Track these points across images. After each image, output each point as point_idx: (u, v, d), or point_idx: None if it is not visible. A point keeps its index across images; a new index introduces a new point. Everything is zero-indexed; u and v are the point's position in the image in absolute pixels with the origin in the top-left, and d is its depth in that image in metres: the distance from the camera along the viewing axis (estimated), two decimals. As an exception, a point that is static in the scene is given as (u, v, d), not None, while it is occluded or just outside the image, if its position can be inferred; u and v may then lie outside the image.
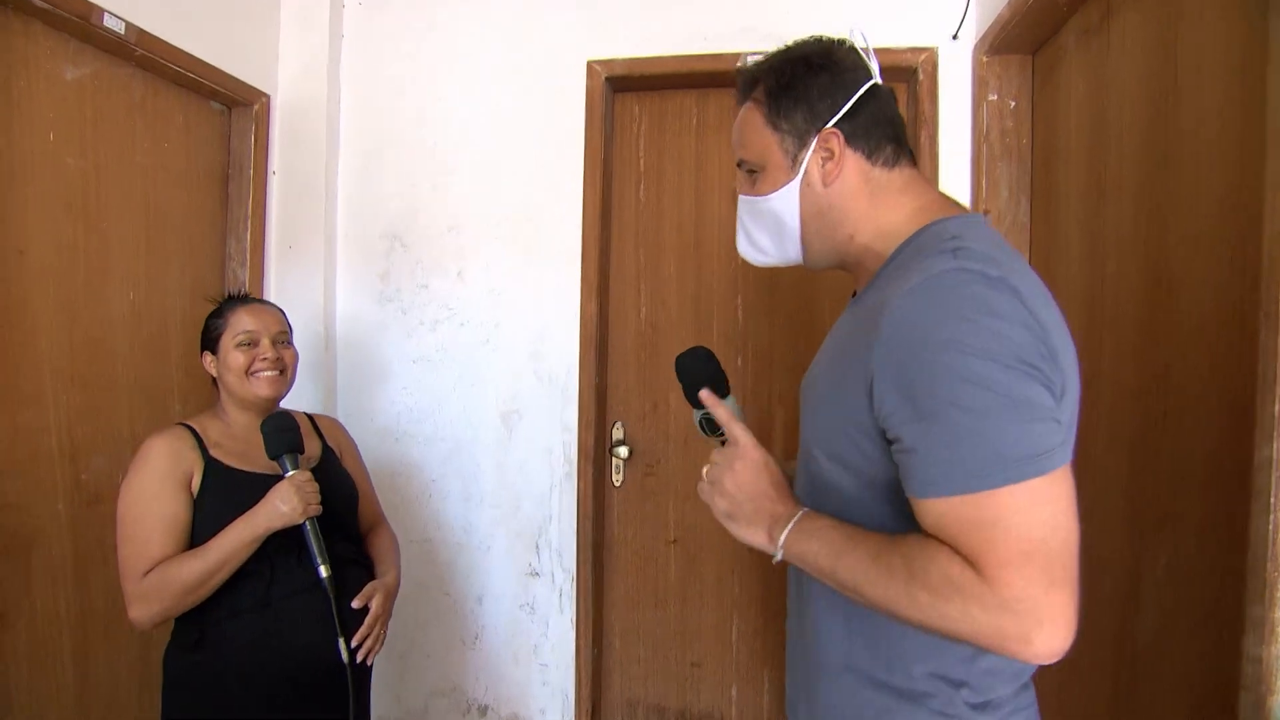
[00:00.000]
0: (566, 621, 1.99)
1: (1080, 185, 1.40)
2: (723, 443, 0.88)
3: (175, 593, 1.11)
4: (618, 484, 2.04)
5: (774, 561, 0.81)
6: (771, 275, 1.92)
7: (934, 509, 0.68)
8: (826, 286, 1.90)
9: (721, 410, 0.85)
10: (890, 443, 0.71)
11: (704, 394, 0.85)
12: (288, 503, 1.13)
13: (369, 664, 1.26)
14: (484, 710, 2.08)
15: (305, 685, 1.20)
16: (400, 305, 2.07)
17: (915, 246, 0.78)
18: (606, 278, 2.02)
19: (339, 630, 1.18)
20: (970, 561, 0.66)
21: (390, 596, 1.31)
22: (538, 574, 2.01)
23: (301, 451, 1.21)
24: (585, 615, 1.97)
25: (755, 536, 0.81)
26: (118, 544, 1.15)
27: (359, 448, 1.54)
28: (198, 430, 1.24)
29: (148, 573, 1.11)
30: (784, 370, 1.95)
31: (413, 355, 2.06)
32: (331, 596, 1.16)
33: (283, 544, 1.18)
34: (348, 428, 1.54)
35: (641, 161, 2.02)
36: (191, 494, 1.17)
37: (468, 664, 2.07)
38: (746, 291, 1.96)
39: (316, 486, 1.17)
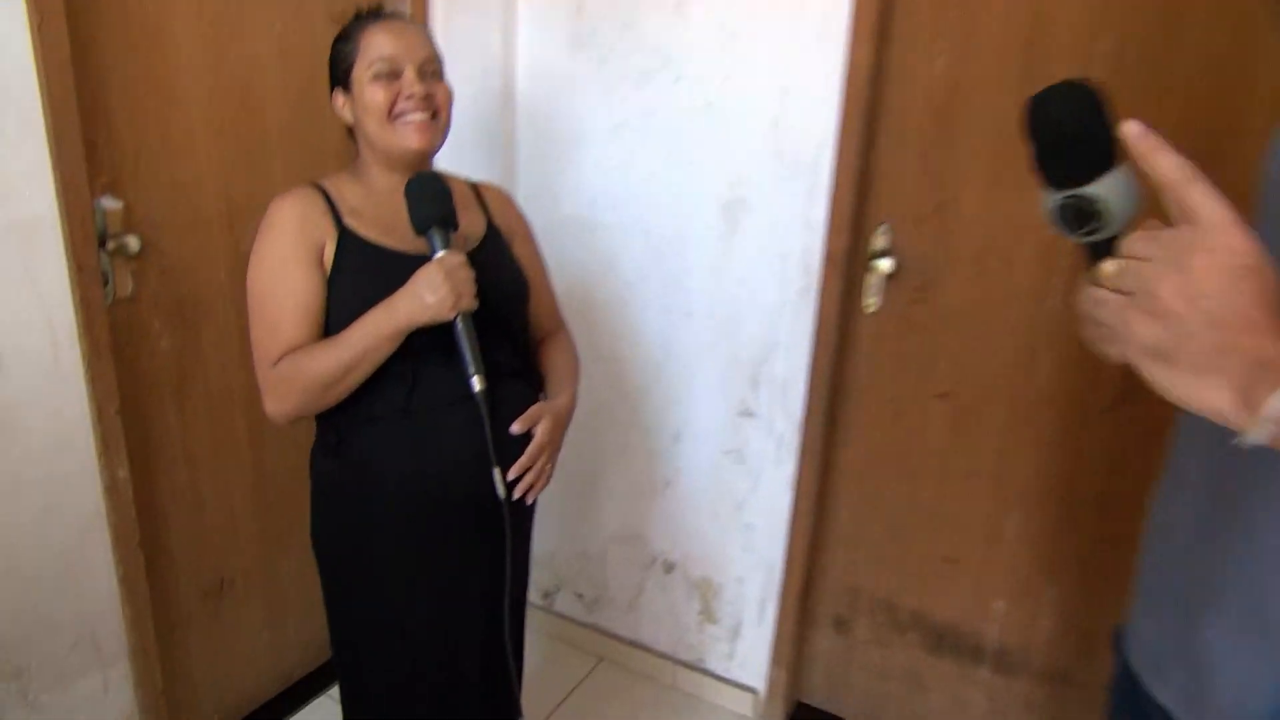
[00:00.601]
0: (783, 478, 1.76)
1: None
2: (1095, 249, 0.57)
3: (307, 388, 1.05)
4: (872, 309, 1.68)
5: (1239, 442, 0.47)
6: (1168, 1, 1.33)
7: None
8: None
9: (1166, 160, 0.51)
10: None
11: (1132, 127, 0.51)
12: (434, 292, 1.01)
13: (529, 502, 1.17)
14: (669, 567, 1.96)
15: (454, 511, 1.13)
16: (598, 52, 1.75)
17: None
18: (890, 11, 1.53)
19: (493, 457, 1.06)
20: None
21: (561, 423, 1.19)
22: (752, 414, 1.77)
23: (454, 226, 1.07)
24: (809, 474, 1.73)
25: (1210, 393, 0.48)
26: (250, 325, 1.09)
27: (537, 234, 1.37)
28: (331, 193, 1.12)
29: (279, 361, 1.06)
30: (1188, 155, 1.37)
31: (612, 120, 1.77)
32: (485, 415, 1.04)
33: (430, 342, 1.06)
34: (528, 213, 1.38)
35: None
36: (323, 270, 1.08)
37: (656, 512, 1.95)
38: (1122, 27, 1.37)
39: (471, 274, 1.04)
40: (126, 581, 1.44)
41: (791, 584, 1.82)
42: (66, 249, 1.27)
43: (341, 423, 1.11)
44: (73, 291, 1.29)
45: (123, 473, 1.40)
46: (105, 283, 1.37)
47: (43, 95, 1.20)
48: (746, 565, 1.86)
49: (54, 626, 1.36)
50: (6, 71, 1.17)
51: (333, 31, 1.16)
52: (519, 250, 1.28)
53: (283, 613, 1.85)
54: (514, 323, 1.22)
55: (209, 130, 1.51)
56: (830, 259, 1.63)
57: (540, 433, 1.14)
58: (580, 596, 2.13)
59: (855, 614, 1.85)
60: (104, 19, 1.33)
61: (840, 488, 1.81)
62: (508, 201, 1.32)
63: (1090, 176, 0.58)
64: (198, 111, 1.49)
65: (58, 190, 1.24)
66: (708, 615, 1.95)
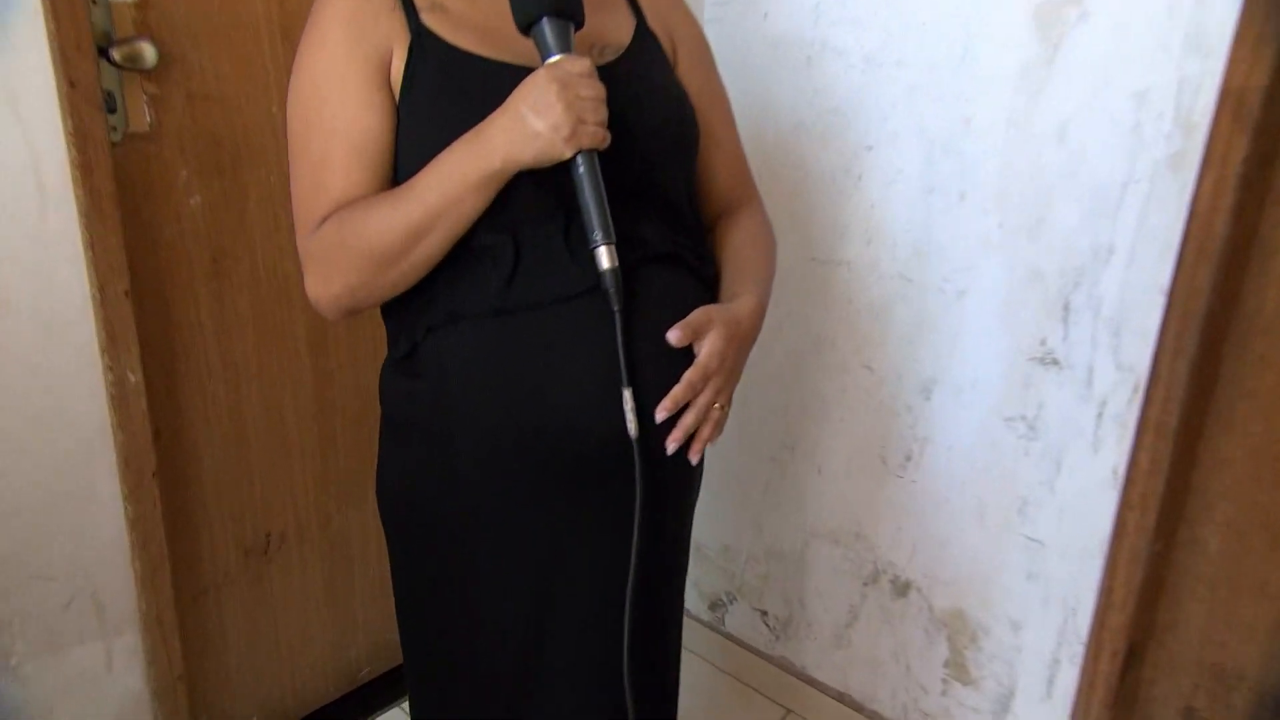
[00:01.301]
0: (1103, 469, 1.45)
1: None
2: None
3: (360, 258, 0.98)
4: None
5: None
6: None
7: None
8: None
9: None
10: None
11: None
12: (543, 115, 0.92)
13: (694, 459, 1.05)
14: (902, 588, 1.74)
15: (571, 463, 1.02)
16: None
17: None
18: None
19: (624, 373, 0.96)
20: None
21: (740, 339, 1.05)
22: (1057, 362, 1.46)
23: (578, 19, 0.98)
24: (1153, 466, 1.41)
25: None
26: (290, 173, 1.04)
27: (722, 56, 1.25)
28: None
29: (325, 222, 1.01)
30: None
31: None
32: (616, 304, 0.95)
33: (541, 201, 0.98)
34: (718, 28, 1.41)
35: None
36: (391, 90, 1.01)
37: (887, 501, 1.72)
38: None
39: (600, 91, 0.96)
40: (138, 525, 1.36)
41: (1107, 642, 1.51)
42: (52, 54, 1.16)
43: (414, 322, 1.03)
44: (63, 119, 1.19)
45: (134, 377, 1.32)
46: (111, 109, 1.29)
47: None
48: (1029, 602, 1.57)
49: (43, 575, 1.31)
50: None
51: None
52: (686, 70, 1.15)
53: (349, 585, 1.77)
54: (672, 179, 1.09)
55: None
56: (1231, 100, 1.23)
57: (707, 350, 0.99)
58: (764, 615, 1.95)
59: (1224, 711, 1.50)
60: None
61: (1211, 497, 1.45)
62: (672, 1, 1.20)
63: None
64: None
65: (36, -36, 1.16)
66: (959, 671, 1.70)
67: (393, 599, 1.15)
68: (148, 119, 1.32)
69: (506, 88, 0.94)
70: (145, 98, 1.31)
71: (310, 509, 1.68)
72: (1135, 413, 1.39)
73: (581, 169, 0.93)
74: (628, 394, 0.95)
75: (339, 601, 1.76)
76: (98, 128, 1.21)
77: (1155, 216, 1.29)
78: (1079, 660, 1.52)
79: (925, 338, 1.56)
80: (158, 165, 1.34)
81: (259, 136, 1.45)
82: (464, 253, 0.98)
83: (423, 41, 0.99)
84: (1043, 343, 1.43)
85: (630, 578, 1.01)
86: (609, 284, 0.93)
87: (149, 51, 1.27)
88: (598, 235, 0.94)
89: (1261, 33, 1.15)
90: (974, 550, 1.60)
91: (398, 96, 1.00)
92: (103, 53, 1.25)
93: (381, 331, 1.07)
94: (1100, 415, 1.41)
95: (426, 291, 1.01)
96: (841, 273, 1.63)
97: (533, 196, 0.97)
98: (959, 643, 1.65)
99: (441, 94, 0.99)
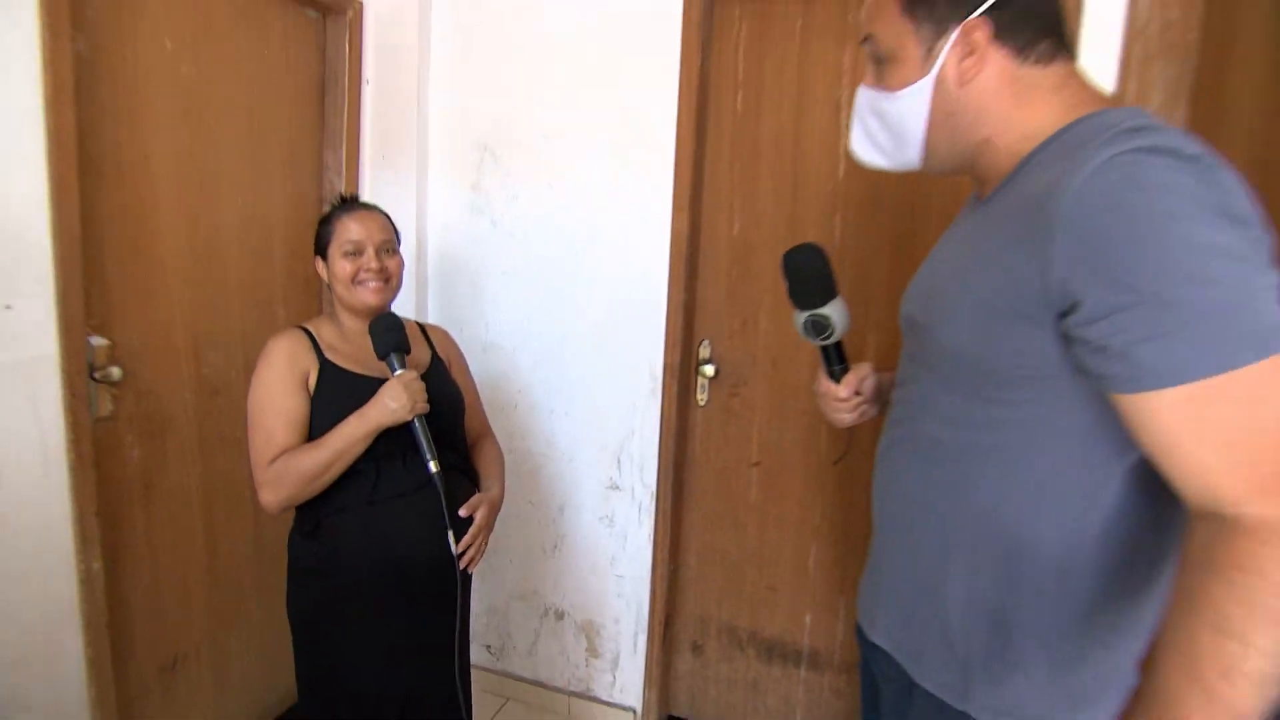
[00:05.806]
0: (644, 536, 1.94)
1: (1257, 86, 1.20)
2: (826, 351, 0.83)
3: (296, 481, 1.13)
4: (702, 403, 1.96)
5: None
6: (874, 192, 1.81)
7: (1157, 403, 0.61)
8: (936, 206, 1.76)
9: None
10: (1076, 340, 0.65)
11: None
12: (396, 400, 1.13)
13: (471, 572, 1.26)
14: (560, 615, 2.07)
15: (411, 580, 1.22)
16: (491, 217, 1.99)
17: (1074, 136, 0.70)
18: (700, 192, 1.93)
19: (448, 522, 1.16)
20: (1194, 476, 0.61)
21: (494, 509, 1.29)
22: (618, 488, 1.96)
23: (408, 351, 1.20)
24: (663, 531, 1.94)
25: None
26: (248, 435, 1.18)
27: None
28: (313, 333, 1.26)
29: (274, 461, 1.14)
30: (883, 294, 1.85)
31: (503, 267, 1.99)
32: (441, 491, 1.15)
33: (389, 448, 1.18)
34: None
35: (740, 70, 1.89)
36: (308, 392, 1.19)
37: (547, 571, 2.06)
38: (845, 210, 1.84)
39: (423, 385, 1.17)
40: (94, 663, 1.45)
41: (655, 618, 1.94)
42: (63, 379, 1.35)
43: (319, 512, 1.18)
44: (64, 414, 1.35)
45: (96, 565, 1.43)
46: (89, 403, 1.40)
47: (55, 260, 1.32)
48: (620, 607, 1.97)
49: (24, 706, 1.37)
50: (29, 242, 1.29)
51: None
52: (455, 374, 1.39)
53: (228, 685, 1.82)
54: (454, 431, 1.30)
55: (180, 280, 1.63)
56: (668, 368, 1.87)
57: (480, 516, 1.23)
58: (488, 648, 2.13)
59: (707, 638, 1.99)
60: (105, 196, 1.46)
61: (688, 538, 1.97)
62: (447, 338, 1.46)
63: (822, 302, 0.82)
64: (173, 265, 1.61)
65: (59, 332, 1.33)
66: (593, 652, 2.01)
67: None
68: (110, 408, 1.47)
69: (370, 389, 1.13)
70: (110, 396, 1.47)
71: (202, 634, 1.73)
72: (653, 507, 1.86)
73: (416, 424, 1.12)
74: (451, 535, 1.16)
75: (221, 697, 1.77)
76: (85, 418, 1.37)
77: (650, 418, 1.85)
78: (646, 631, 1.92)
79: (557, 483, 1.98)
80: (114, 435, 1.49)
81: (176, 413, 1.61)
82: (350, 473, 1.13)
83: (325, 366, 1.18)
84: (611, 479, 1.91)
85: (457, 634, 1.18)
86: (436, 480, 1.12)
87: (117, 371, 1.47)
88: (428, 455, 1.11)
89: (675, 338, 1.85)
90: (593, 588, 1.97)
91: (312, 394, 1.17)
92: (90, 374, 1.41)
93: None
94: (640, 510, 1.89)
95: (328, 493, 1.14)
96: (515, 456, 2.02)
97: (386, 446, 1.13)
98: (591, 637, 1.98)
99: (336, 393, 1.17)
